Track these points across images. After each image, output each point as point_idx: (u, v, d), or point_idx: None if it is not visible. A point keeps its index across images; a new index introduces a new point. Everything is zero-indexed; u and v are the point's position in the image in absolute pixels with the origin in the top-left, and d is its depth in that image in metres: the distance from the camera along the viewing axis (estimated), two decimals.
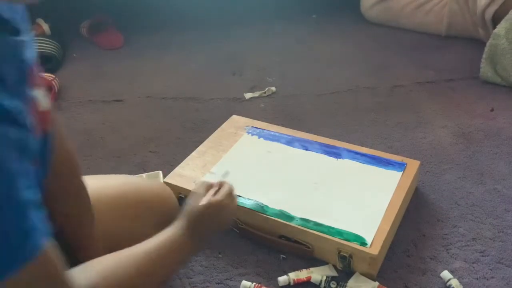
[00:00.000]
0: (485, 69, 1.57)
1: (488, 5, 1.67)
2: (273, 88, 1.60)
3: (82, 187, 0.79)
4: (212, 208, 0.80)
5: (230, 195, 0.85)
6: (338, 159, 1.14)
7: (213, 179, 0.90)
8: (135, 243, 0.84)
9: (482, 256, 0.98)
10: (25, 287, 0.50)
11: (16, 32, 0.57)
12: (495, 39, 1.55)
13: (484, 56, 1.57)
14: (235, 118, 1.32)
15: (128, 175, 1.11)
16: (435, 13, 1.88)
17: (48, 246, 0.52)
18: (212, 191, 0.83)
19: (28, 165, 0.52)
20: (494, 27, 1.58)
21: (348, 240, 0.93)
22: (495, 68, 1.55)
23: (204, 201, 0.81)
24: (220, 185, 0.86)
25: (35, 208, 0.51)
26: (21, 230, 0.49)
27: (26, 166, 0.51)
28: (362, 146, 1.20)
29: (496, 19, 1.63)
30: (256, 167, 1.13)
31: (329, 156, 1.15)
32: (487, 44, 1.57)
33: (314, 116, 1.46)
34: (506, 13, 1.57)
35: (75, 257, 0.75)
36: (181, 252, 0.76)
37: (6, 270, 0.48)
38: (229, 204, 0.83)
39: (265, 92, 1.59)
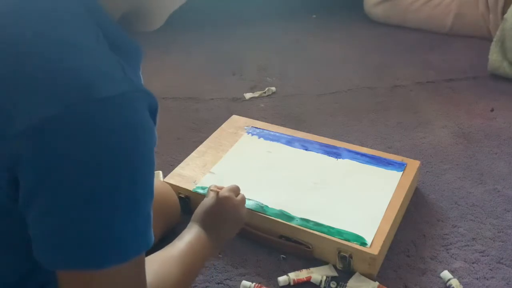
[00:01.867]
0: (494, 57, 1.57)
1: None
2: (273, 88, 1.60)
3: None
4: (217, 202, 0.87)
5: (233, 189, 0.91)
6: (338, 159, 1.14)
7: (213, 179, 0.92)
8: None
9: (482, 256, 0.98)
10: (114, 280, 0.53)
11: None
12: (505, 24, 1.56)
13: (494, 39, 1.58)
14: (235, 118, 1.32)
15: None
16: (443, 7, 1.88)
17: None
18: (215, 192, 0.90)
19: None
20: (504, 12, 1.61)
21: (348, 240, 0.93)
22: (505, 53, 1.55)
23: (209, 197, 0.89)
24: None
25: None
26: (145, 226, 0.54)
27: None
28: (362, 146, 1.20)
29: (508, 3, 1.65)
30: (256, 167, 1.13)
31: (329, 156, 1.15)
32: (499, 28, 1.58)
33: (314, 116, 1.46)
34: None
35: None
36: (204, 250, 0.81)
37: (134, 252, 0.53)
38: (232, 198, 0.89)
39: (265, 92, 1.59)
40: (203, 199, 0.90)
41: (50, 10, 0.52)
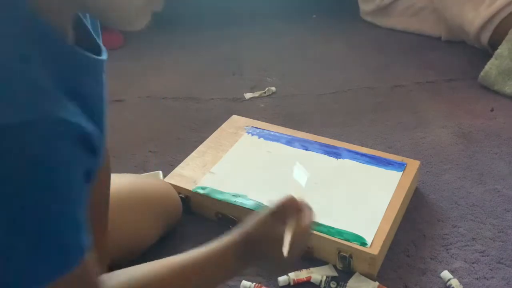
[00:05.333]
0: (487, 82, 1.55)
1: (480, 31, 1.65)
2: (273, 88, 1.60)
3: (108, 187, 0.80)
4: (271, 225, 0.73)
5: (308, 230, 0.74)
6: (338, 159, 1.14)
7: (213, 179, 0.90)
8: (140, 239, 0.85)
9: (482, 256, 0.98)
10: None
11: (98, 51, 0.57)
12: (498, 59, 1.53)
13: (484, 72, 1.55)
14: (235, 118, 1.32)
15: (136, 174, 1.13)
16: (431, 23, 1.88)
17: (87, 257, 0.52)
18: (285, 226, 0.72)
19: (87, 188, 0.52)
20: (493, 50, 1.57)
21: (348, 240, 0.93)
22: (506, 86, 1.52)
23: (285, 245, 0.68)
24: (298, 209, 0.74)
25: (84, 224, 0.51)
26: (68, 244, 0.50)
27: (86, 189, 0.51)
28: (362, 146, 1.20)
29: (493, 43, 1.61)
30: (256, 167, 1.13)
31: (329, 156, 1.15)
32: (489, 63, 1.54)
33: (314, 116, 1.46)
34: (501, 36, 1.56)
35: None
36: (225, 268, 0.70)
37: (47, 277, 0.48)
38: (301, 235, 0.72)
39: (265, 92, 1.59)
40: (204, 200, 0.89)
41: None
